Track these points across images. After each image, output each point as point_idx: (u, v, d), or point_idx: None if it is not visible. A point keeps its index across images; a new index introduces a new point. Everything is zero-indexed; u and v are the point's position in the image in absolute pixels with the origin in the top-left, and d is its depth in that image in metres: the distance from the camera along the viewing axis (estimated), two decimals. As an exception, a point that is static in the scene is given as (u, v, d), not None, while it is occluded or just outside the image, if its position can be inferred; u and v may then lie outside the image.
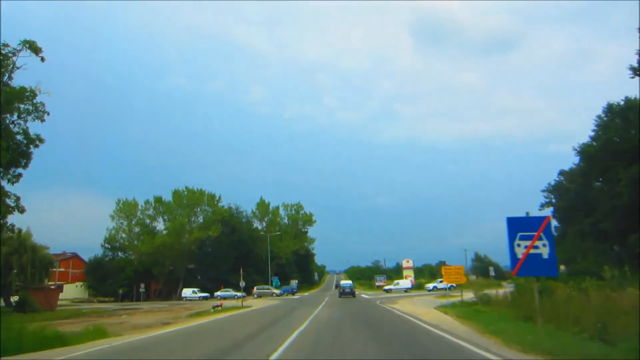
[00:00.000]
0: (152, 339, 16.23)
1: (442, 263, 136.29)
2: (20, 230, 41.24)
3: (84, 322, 23.57)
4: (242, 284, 52.07)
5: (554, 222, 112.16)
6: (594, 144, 54.90)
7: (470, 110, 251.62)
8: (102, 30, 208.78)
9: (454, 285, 64.87)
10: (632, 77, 35.54)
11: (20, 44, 33.60)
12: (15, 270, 41.31)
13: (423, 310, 25.11)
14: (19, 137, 35.43)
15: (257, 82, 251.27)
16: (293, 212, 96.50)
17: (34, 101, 35.15)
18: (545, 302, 15.53)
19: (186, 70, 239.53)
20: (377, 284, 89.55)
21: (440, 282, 66.44)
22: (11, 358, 12.02)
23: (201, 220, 77.30)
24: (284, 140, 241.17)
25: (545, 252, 11.96)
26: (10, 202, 34.94)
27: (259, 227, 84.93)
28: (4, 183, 34.60)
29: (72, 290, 72.96)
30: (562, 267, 76.03)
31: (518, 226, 12.29)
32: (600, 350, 9.53)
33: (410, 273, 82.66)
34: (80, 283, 77.82)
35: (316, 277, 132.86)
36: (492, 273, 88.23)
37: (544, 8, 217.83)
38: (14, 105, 33.92)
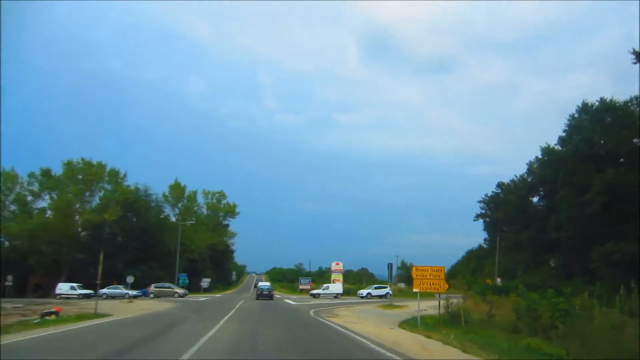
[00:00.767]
0: None
1: (364, 270, 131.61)
2: None
3: None
4: (130, 279, 40.82)
5: (485, 234, 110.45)
6: (559, 148, 49.91)
7: (404, 125, 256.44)
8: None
9: (390, 292, 57.67)
10: (635, 63, 29.43)
11: None
12: None
13: (390, 332, 16.18)
14: None
15: (195, 73, 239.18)
16: (214, 200, 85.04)
17: None
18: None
19: (121, 54, 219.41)
20: (300, 287, 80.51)
21: (377, 288, 58.74)
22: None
23: (97, 201, 63.81)
24: (216, 136, 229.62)
25: None
26: None
27: (171, 215, 72.57)
28: None
29: None
30: (497, 280, 71.82)
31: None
32: None
33: (340, 277, 74.17)
34: None
35: (234, 277, 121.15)
36: (401, 284, 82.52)
37: (482, 37, 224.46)
38: None
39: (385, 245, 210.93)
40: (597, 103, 45.70)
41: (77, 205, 61.49)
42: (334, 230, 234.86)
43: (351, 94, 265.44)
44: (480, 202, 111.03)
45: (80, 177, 62.67)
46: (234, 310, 27.69)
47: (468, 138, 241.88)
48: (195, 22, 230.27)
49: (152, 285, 49.39)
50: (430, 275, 18.99)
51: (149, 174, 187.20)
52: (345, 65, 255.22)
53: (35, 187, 63.71)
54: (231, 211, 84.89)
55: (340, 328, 17.60)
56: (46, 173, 63.61)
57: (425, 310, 21.26)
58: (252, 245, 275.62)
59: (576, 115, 48.52)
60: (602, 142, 43.53)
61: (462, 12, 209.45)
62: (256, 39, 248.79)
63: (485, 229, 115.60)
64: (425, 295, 20.12)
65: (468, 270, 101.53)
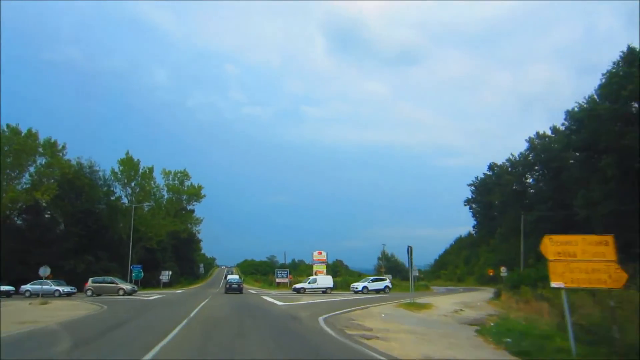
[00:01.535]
0: None
1: (339, 262, 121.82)
2: None
3: None
4: (45, 271, 29.68)
5: (473, 221, 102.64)
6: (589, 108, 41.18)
7: (373, 118, 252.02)
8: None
9: (389, 285, 48.08)
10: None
11: None
12: None
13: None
14: None
15: (160, 64, 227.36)
16: (176, 182, 73.39)
17: None
18: None
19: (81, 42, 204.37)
20: (278, 280, 70.33)
21: (374, 280, 49.21)
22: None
23: (27, 178, 51.60)
24: (184, 126, 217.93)
25: None
26: None
27: (123, 197, 60.77)
28: None
29: None
30: (502, 269, 63.17)
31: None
32: None
33: (323, 267, 64.47)
34: None
35: (201, 270, 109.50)
36: (415, 273, 73.30)
37: (448, 28, 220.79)
38: None
39: (359, 238, 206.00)
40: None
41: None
42: (303, 223, 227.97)
43: (319, 87, 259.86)
44: (470, 185, 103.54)
45: (6, 147, 50.26)
46: (191, 315, 17.44)
47: (436, 130, 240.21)
48: (159, 13, 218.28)
49: (90, 280, 38.21)
50: (584, 255, 9.24)
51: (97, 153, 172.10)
52: (313, 58, 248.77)
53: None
54: (196, 194, 73.49)
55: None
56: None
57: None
58: (221, 238, 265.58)
59: (616, 68, 39.84)
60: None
61: (429, 5, 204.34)
62: (222, 30, 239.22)
63: (475, 215, 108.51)
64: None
65: (460, 260, 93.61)
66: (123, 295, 36.90)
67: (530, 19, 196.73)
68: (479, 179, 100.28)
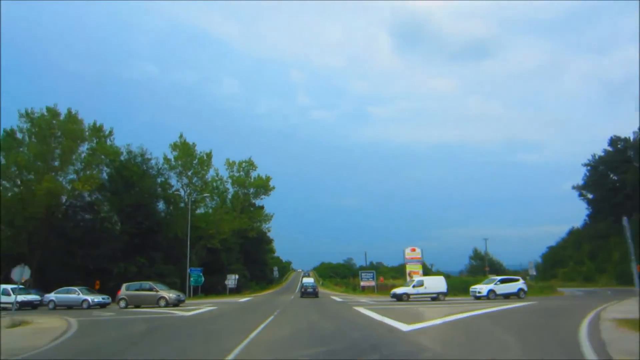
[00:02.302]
0: None
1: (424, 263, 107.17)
2: None
3: None
4: (21, 273, 19.68)
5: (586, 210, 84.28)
6: None
7: (441, 115, 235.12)
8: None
9: (524, 287, 33.80)
10: None
11: None
12: None
13: None
14: None
15: (229, 74, 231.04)
16: (241, 173, 64.24)
17: None
18: None
19: (157, 57, 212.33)
20: (363, 284, 58.76)
21: (503, 281, 35.75)
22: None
23: (76, 167, 44.09)
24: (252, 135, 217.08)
25: None
26: None
27: (180, 188, 51.95)
28: None
29: None
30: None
31: None
32: None
33: (418, 268, 51.90)
34: None
35: (275, 273, 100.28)
36: (532, 272, 58.01)
37: (522, 17, 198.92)
38: None
39: (433, 239, 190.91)
40: None
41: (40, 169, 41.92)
42: (375, 225, 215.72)
43: (384, 86, 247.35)
44: (586, 165, 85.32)
45: (44, 130, 42.69)
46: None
47: (510, 125, 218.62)
48: (223, 23, 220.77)
49: (123, 287, 28.81)
50: None
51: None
52: (378, 57, 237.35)
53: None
54: (264, 186, 63.73)
55: None
56: None
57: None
58: (296, 243, 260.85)
59: None
60: None
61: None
62: (285, 36, 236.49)
63: (590, 203, 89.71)
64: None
65: (582, 255, 76.04)
66: (165, 306, 27.10)
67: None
68: (596, 157, 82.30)
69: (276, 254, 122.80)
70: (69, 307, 28.84)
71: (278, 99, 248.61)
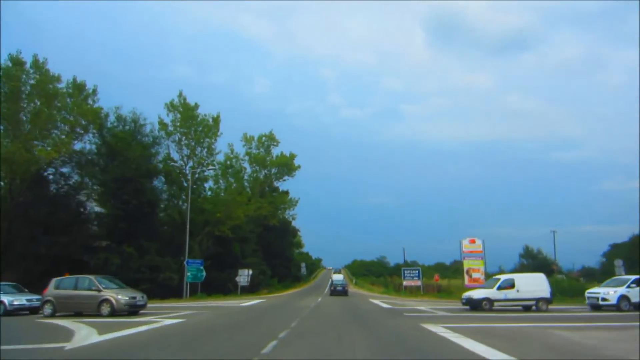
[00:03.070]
0: None
1: (457, 263, 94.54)
2: None
3: None
4: None
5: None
6: None
7: (476, 112, 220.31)
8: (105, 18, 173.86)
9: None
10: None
11: None
12: None
13: None
14: None
15: (260, 74, 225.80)
16: (261, 149, 54.09)
17: None
18: None
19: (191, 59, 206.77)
20: (405, 283, 47.68)
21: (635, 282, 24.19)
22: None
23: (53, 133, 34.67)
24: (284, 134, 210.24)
25: None
26: None
27: (180, 160, 41.90)
28: None
29: None
30: None
31: None
32: None
33: (479, 264, 40.40)
34: None
35: (303, 270, 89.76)
36: (621, 271, 44.80)
37: (562, 8, 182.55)
38: None
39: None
40: None
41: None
42: (409, 223, 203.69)
43: (417, 83, 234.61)
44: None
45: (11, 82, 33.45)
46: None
47: (548, 121, 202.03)
48: (257, 23, 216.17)
49: (52, 283, 18.68)
50: None
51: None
52: (411, 54, 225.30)
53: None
54: (287, 164, 53.36)
55: None
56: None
57: None
58: (327, 241, 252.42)
59: None
60: None
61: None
62: (316, 34, 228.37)
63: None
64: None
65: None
66: (109, 314, 16.92)
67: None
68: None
69: (305, 249, 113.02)
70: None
71: (309, 98, 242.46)
